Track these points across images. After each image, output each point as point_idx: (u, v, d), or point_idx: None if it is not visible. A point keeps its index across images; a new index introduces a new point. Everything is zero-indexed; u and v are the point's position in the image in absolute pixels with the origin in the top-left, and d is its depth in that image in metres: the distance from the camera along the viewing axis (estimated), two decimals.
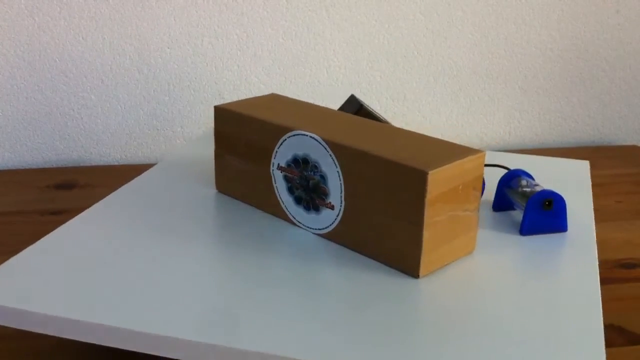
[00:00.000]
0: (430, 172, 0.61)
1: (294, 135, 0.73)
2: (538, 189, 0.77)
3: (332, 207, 0.71)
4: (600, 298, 0.63)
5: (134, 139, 1.25)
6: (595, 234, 0.77)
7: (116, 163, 1.25)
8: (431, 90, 1.31)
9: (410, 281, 0.65)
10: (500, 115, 1.34)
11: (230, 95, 1.25)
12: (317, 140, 0.71)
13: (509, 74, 1.32)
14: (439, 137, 1.34)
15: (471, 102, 1.33)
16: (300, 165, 0.73)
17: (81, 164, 1.24)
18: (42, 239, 0.69)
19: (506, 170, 0.83)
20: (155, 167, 0.89)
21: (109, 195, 0.80)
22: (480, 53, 1.30)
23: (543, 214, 0.76)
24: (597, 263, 0.70)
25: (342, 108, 0.87)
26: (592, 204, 0.85)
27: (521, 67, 1.32)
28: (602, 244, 0.86)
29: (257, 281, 0.64)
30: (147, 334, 0.56)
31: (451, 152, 0.66)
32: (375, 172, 0.66)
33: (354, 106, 0.87)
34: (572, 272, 0.68)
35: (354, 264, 0.68)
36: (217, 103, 1.25)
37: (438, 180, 0.63)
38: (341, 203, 0.71)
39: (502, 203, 0.82)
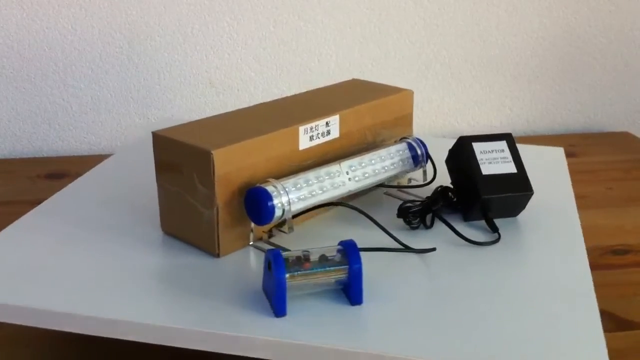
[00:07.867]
0: (153, 132, 0.68)
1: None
2: None
3: None
4: None
5: (124, 128, 1.24)
6: None
7: (107, 152, 1.25)
8: (422, 77, 1.31)
9: (155, 232, 0.71)
10: (491, 103, 1.34)
11: (222, 83, 1.24)
12: None
13: (500, 61, 1.32)
14: (429, 125, 1.34)
15: (462, 89, 1.33)
16: None
17: (71, 154, 1.24)
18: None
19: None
20: None
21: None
22: (472, 41, 1.30)
23: (267, 274, 0.58)
24: None
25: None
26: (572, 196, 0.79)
27: (512, 54, 1.32)
28: (593, 231, 0.87)
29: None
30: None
31: (221, 139, 0.65)
32: None
33: (499, 134, 0.76)
34: None
35: None
36: (208, 91, 1.25)
37: (160, 146, 0.68)
38: None
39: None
